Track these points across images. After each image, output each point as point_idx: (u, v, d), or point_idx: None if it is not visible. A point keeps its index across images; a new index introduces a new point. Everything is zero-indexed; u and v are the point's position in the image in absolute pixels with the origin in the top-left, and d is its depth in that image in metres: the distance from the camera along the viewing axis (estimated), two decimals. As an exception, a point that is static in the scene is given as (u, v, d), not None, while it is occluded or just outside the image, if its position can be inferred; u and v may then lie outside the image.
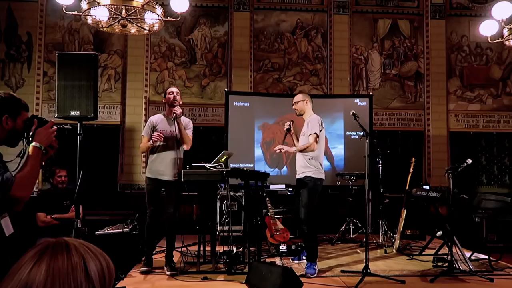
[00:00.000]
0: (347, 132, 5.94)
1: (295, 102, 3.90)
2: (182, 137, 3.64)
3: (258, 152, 5.91)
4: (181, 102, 3.70)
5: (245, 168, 4.20)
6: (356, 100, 6.04)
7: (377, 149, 5.13)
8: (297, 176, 3.82)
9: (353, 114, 4.10)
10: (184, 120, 3.81)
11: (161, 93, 6.62)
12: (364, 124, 4.66)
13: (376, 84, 6.93)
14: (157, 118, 3.77)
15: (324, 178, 3.80)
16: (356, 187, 5.29)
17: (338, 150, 5.96)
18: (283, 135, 3.98)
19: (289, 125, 3.93)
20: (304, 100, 3.85)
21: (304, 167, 3.74)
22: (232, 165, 5.28)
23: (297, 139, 4.00)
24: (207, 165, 3.53)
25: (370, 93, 6.36)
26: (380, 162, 5.16)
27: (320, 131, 3.75)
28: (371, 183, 5.02)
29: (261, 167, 5.71)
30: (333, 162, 5.96)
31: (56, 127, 1.67)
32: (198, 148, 6.33)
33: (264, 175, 4.09)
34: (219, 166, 3.55)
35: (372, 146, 4.93)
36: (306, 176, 3.72)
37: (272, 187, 5.37)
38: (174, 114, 3.57)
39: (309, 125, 3.75)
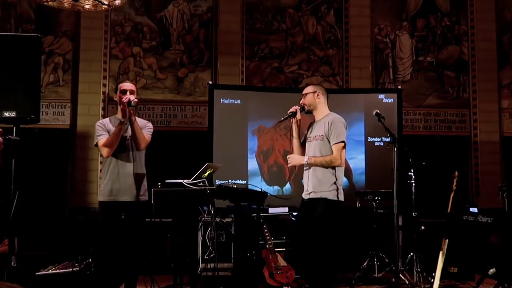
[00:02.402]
0: (369, 137, 5.93)
1: (303, 95, 3.81)
2: (134, 133, 3.58)
3: (252, 164, 5.87)
4: (136, 100, 3.62)
5: (235, 186, 4.17)
6: (381, 96, 6.05)
7: (408, 160, 5.11)
8: (310, 196, 3.72)
9: (377, 114, 4.08)
10: (141, 122, 3.77)
11: (125, 88, 6.58)
12: (391, 127, 4.63)
13: (406, 75, 6.95)
14: (108, 123, 3.72)
15: (343, 199, 3.72)
16: (381, 210, 5.27)
17: (357, 162, 5.94)
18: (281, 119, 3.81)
19: (299, 109, 3.75)
20: (315, 92, 3.74)
21: (324, 184, 3.66)
22: (218, 182, 5.25)
23: (300, 142, 3.88)
24: (185, 181, 3.50)
25: (399, 87, 6.39)
26: (413, 177, 5.14)
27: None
28: (402, 204, 5.00)
29: (257, 184, 5.67)
30: (351, 177, 5.93)
31: (1, 138, 1.65)
32: (173, 159, 6.30)
33: (261, 194, 4.07)
34: (201, 183, 3.52)
35: (402, 156, 4.92)
36: (321, 197, 3.64)
37: (272, 210, 5.33)
38: (127, 99, 3.51)
39: (331, 129, 3.60)
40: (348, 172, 5.91)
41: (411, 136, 6.62)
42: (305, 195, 3.73)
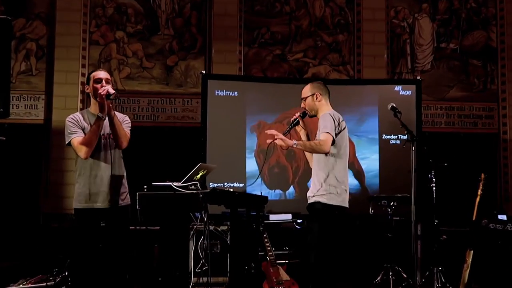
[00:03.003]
0: (383, 135, 5.93)
1: (302, 99, 3.93)
2: (114, 129, 3.56)
3: (251, 165, 5.86)
4: (115, 92, 3.61)
5: (231, 190, 4.16)
6: (397, 88, 6.04)
7: (428, 161, 5.10)
8: (309, 201, 3.80)
9: (393, 108, 4.08)
10: (119, 116, 3.75)
11: (106, 78, 6.57)
12: (409, 123, 4.63)
13: (426, 64, 6.94)
14: (81, 119, 3.69)
15: (346, 205, 3.76)
16: (397, 218, 5.26)
17: (370, 162, 5.95)
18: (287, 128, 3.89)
19: (299, 116, 3.89)
20: (314, 94, 3.85)
21: (316, 186, 3.72)
22: (212, 185, 5.24)
23: (307, 136, 3.98)
24: (174, 184, 3.49)
25: (418, 77, 6.38)
26: (434, 179, 5.14)
27: (338, 133, 3.70)
28: (421, 211, 4.99)
29: (256, 187, 5.66)
30: (363, 180, 5.93)
31: None
32: (161, 159, 6.29)
33: (261, 199, 4.07)
34: (193, 187, 3.52)
35: (421, 155, 4.90)
36: (316, 201, 3.70)
37: (273, 217, 5.33)
38: (105, 91, 3.47)
39: (323, 121, 3.74)
40: (359, 174, 5.91)
41: (432, 133, 6.62)
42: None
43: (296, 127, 3.91)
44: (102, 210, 3.58)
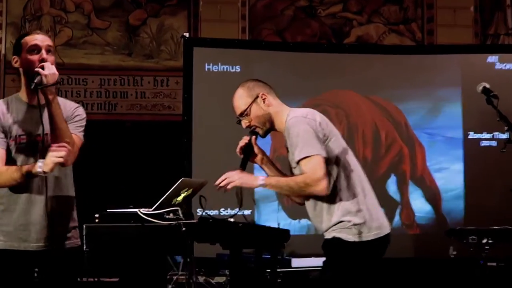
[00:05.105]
0: (470, 133, 5.98)
1: (241, 115, 3.83)
2: (55, 133, 3.54)
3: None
4: (55, 72, 3.62)
5: (232, 220, 4.16)
6: (491, 59, 6.07)
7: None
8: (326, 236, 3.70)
9: (485, 90, 4.07)
10: (66, 107, 3.74)
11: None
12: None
13: (536, 22, 6.95)
14: (3, 111, 3.69)
15: (386, 236, 3.69)
16: (494, 263, 5.26)
17: (450, 176, 6.00)
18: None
19: (249, 141, 3.81)
20: (257, 97, 3.78)
21: (331, 219, 3.66)
22: (201, 212, 5.24)
23: (276, 169, 3.91)
24: (142, 211, 3.49)
25: (524, 43, 6.39)
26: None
27: (325, 140, 3.62)
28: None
29: (271, 215, 5.67)
30: (439, 204, 5.97)
31: None
32: (120, 172, 6.29)
33: (279, 234, 4.06)
34: (172, 215, 3.52)
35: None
36: (334, 237, 3.65)
37: (297, 263, 5.34)
38: (38, 78, 3.47)
39: (289, 141, 3.64)
40: (433, 195, 5.93)
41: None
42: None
43: (255, 157, 3.87)
44: (35, 254, 3.58)
